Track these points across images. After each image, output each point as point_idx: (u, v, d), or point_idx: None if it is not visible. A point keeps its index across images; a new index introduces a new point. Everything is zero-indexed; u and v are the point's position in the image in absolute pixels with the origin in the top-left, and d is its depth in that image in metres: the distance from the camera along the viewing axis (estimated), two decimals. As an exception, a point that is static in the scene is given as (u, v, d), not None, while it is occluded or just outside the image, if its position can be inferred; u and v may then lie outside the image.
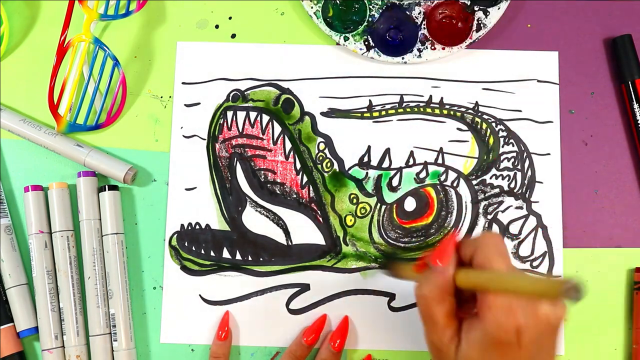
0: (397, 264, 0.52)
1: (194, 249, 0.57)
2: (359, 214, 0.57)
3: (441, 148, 0.58)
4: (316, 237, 0.57)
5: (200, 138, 0.58)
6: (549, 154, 0.58)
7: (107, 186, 0.56)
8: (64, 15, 0.57)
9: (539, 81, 0.58)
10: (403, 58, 0.57)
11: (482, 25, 0.57)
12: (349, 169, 0.58)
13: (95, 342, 0.55)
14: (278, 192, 0.57)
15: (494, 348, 0.39)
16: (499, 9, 0.57)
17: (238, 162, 0.58)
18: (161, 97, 0.59)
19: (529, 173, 0.57)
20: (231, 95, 0.58)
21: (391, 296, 0.56)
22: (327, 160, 0.58)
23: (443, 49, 0.57)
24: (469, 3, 0.57)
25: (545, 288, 0.36)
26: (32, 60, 0.59)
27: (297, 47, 0.59)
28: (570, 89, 0.58)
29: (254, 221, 0.57)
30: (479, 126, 0.58)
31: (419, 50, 0.57)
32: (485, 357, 0.39)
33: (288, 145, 0.58)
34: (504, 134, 0.58)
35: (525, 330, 0.38)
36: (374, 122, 0.58)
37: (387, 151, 0.58)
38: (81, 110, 0.58)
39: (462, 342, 0.40)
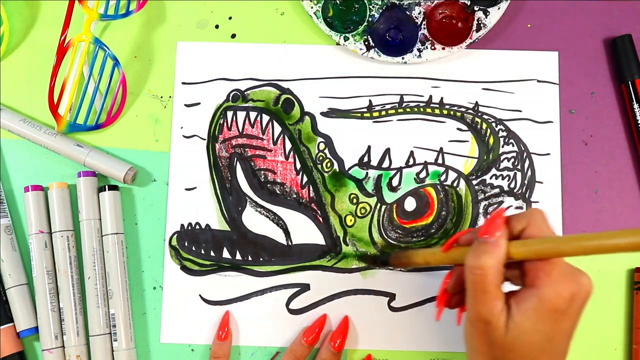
0: (400, 252, 0.51)
1: (194, 249, 0.57)
2: (359, 214, 0.57)
3: (441, 148, 0.58)
4: (316, 237, 0.57)
5: (200, 138, 0.58)
6: (549, 154, 0.58)
7: (107, 186, 0.56)
8: (64, 15, 0.57)
9: (538, 81, 0.58)
10: (403, 58, 0.57)
11: (482, 25, 0.57)
12: (349, 169, 0.58)
13: (95, 342, 0.55)
14: (278, 192, 0.57)
15: (548, 315, 0.40)
16: (499, 9, 0.57)
17: (238, 162, 0.58)
18: (161, 97, 0.59)
19: (529, 173, 0.57)
20: (231, 95, 0.58)
21: (391, 296, 0.56)
22: (327, 160, 0.58)
23: (443, 49, 0.57)
24: (469, 3, 0.57)
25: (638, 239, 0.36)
26: (32, 60, 0.59)
27: (297, 47, 0.59)
28: (570, 89, 0.58)
29: (254, 221, 0.57)
30: (479, 126, 0.58)
31: (419, 50, 0.57)
32: (539, 326, 0.40)
33: (288, 145, 0.58)
34: (504, 134, 0.58)
35: (577, 298, 0.40)
36: (374, 122, 0.58)
37: (387, 151, 0.58)
38: (81, 110, 0.58)
39: (514, 312, 0.40)
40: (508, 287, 0.42)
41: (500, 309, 0.41)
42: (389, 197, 0.57)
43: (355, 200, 0.57)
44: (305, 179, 0.57)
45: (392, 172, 0.57)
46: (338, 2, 0.58)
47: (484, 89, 0.58)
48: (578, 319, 0.41)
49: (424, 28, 0.57)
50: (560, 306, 0.40)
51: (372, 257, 0.56)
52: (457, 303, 0.46)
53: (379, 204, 0.57)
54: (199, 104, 0.58)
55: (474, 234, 0.42)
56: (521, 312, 0.40)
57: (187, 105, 0.58)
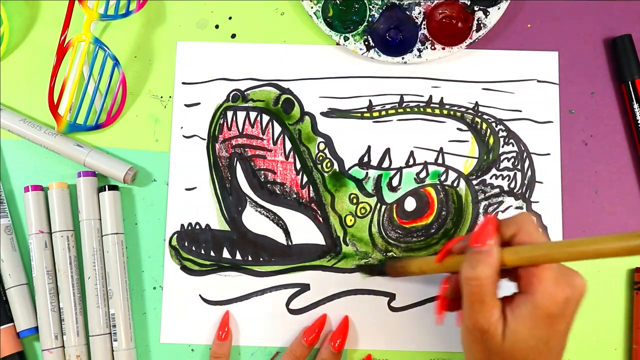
0: (396, 261, 0.51)
1: (194, 249, 0.57)
2: (359, 214, 0.57)
3: (441, 148, 0.58)
4: (316, 237, 0.57)
5: (200, 138, 0.58)
6: (549, 154, 0.58)
7: (107, 186, 0.56)
8: (64, 15, 0.57)
9: (538, 81, 0.58)
10: (403, 58, 0.57)
11: (482, 25, 0.57)
12: (349, 169, 0.58)
13: (95, 342, 0.55)
14: (278, 192, 0.57)
15: (543, 321, 0.40)
16: (499, 9, 0.57)
17: (238, 162, 0.58)
18: (161, 97, 0.59)
19: (529, 173, 0.57)
20: (231, 95, 0.58)
21: (391, 296, 0.56)
22: (327, 160, 0.58)
23: (443, 49, 0.57)
24: (469, 3, 0.57)
25: (632, 243, 0.36)
26: (32, 60, 0.59)
27: (297, 47, 0.59)
28: (570, 89, 0.58)
29: (254, 221, 0.57)
30: (479, 126, 0.58)
31: (419, 50, 0.57)
32: (535, 331, 0.40)
33: (288, 145, 0.58)
34: (504, 134, 0.58)
35: (571, 301, 0.40)
36: (374, 122, 0.58)
37: (387, 151, 0.58)
38: (81, 110, 0.58)
39: (509, 319, 0.41)
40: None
41: (497, 317, 0.41)
42: (389, 197, 0.57)
43: (355, 200, 0.57)
44: (305, 179, 0.57)
45: (392, 172, 0.57)
46: (338, 2, 0.58)
47: (484, 89, 0.58)
48: (573, 319, 0.41)
49: (424, 28, 0.57)
50: (555, 311, 0.40)
51: (369, 267, 0.56)
52: (457, 306, 0.46)
53: (379, 204, 0.57)
54: (199, 104, 0.58)
55: (466, 242, 0.43)
56: (517, 319, 0.40)
57: (187, 105, 0.58)
